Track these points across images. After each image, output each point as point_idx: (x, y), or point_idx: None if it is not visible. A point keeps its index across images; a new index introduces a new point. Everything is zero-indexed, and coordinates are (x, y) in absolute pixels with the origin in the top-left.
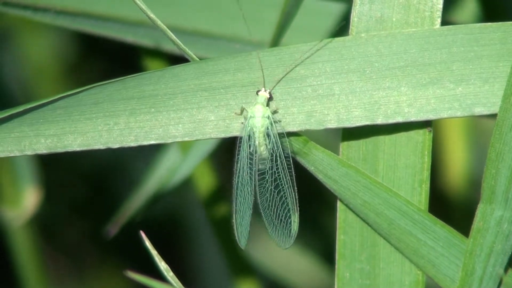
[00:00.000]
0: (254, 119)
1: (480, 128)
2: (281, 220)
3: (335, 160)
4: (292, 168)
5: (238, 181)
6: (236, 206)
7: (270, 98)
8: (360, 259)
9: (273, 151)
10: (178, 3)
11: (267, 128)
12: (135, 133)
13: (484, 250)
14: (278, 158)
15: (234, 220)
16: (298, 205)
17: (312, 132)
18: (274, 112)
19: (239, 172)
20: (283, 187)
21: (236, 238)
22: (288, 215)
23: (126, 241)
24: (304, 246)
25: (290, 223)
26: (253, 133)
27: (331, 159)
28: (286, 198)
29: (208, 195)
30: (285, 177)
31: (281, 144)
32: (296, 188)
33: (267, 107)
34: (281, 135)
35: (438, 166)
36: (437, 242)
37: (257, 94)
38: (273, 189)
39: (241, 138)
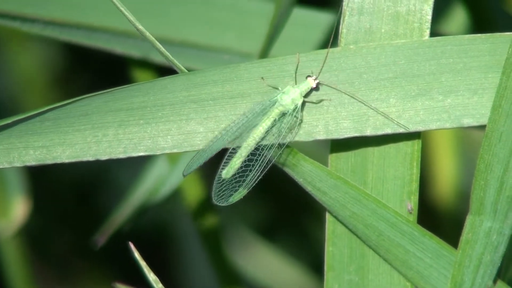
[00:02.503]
0: (284, 95)
1: (468, 140)
2: (231, 182)
3: (323, 172)
4: (270, 161)
5: (232, 126)
6: (211, 142)
7: (316, 88)
8: (349, 270)
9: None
10: (166, 14)
11: (284, 114)
12: (124, 145)
13: (473, 261)
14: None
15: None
16: (251, 187)
17: (301, 143)
18: (305, 103)
19: (239, 120)
20: (254, 163)
21: (187, 165)
22: (240, 183)
23: (114, 252)
24: (292, 257)
25: (235, 191)
26: (271, 107)
27: (320, 171)
28: (250, 172)
29: (196, 206)
30: (261, 160)
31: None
32: (260, 175)
33: (302, 97)
34: (287, 129)
35: (426, 177)
36: (425, 253)
37: (306, 78)
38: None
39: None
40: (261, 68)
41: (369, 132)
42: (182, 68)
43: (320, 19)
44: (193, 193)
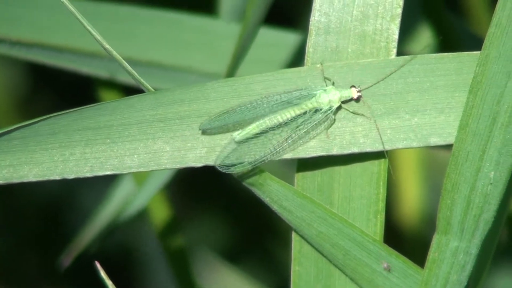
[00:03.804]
0: (324, 93)
1: (435, 160)
2: (243, 151)
3: (290, 191)
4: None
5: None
6: (235, 108)
7: (357, 100)
8: None
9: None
10: (133, 35)
11: (317, 111)
12: (90, 164)
13: (439, 280)
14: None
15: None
16: (256, 165)
17: (267, 163)
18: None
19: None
20: (267, 143)
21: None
22: (250, 156)
23: (80, 273)
24: (258, 278)
25: (241, 162)
26: (307, 100)
27: (286, 190)
28: (260, 151)
29: (163, 226)
30: (275, 144)
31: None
32: (268, 159)
33: (339, 102)
34: (313, 126)
35: (393, 197)
36: (392, 273)
37: (350, 87)
38: (266, 137)
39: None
40: (227, 87)
41: (335, 151)
42: (149, 87)
43: (287, 39)
44: (160, 214)
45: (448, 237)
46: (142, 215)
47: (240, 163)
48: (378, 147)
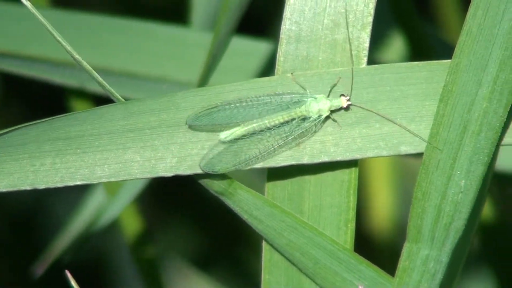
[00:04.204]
0: (314, 102)
1: (406, 168)
2: (228, 153)
3: (260, 200)
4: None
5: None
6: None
7: (346, 108)
8: None
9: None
10: (105, 44)
11: (306, 118)
12: (61, 174)
13: None
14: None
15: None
16: (239, 167)
17: (237, 172)
18: (329, 116)
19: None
20: (252, 147)
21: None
22: (235, 159)
23: (53, 282)
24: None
25: (225, 164)
26: (295, 106)
27: (256, 199)
28: (244, 154)
29: (134, 236)
30: (260, 149)
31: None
32: (252, 164)
33: (329, 111)
34: (299, 134)
35: (364, 205)
36: (363, 282)
37: (340, 96)
38: (252, 141)
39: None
40: (198, 97)
41: (306, 160)
42: (119, 97)
43: (258, 47)
44: (131, 223)
45: (418, 245)
46: (114, 225)
47: (224, 165)
48: (348, 156)
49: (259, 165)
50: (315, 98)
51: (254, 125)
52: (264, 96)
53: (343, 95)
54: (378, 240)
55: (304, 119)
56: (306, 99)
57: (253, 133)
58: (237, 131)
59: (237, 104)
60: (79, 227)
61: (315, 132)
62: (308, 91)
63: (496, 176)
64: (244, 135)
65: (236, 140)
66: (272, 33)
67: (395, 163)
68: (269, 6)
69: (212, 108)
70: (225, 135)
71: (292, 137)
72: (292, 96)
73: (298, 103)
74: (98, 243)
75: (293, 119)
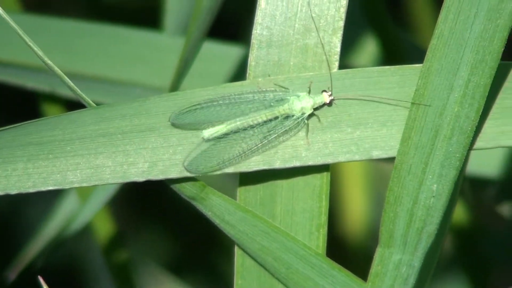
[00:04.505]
0: (296, 100)
1: (379, 173)
2: (211, 153)
3: (232, 205)
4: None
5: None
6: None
7: (329, 104)
8: None
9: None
10: (78, 48)
11: (289, 117)
12: (33, 179)
13: None
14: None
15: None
16: (223, 168)
17: (209, 177)
18: (314, 111)
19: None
20: (236, 146)
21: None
22: (216, 158)
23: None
24: None
25: (208, 164)
26: (278, 104)
27: (228, 204)
28: (228, 153)
29: (107, 240)
30: (243, 147)
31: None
32: (235, 163)
33: (312, 109)
34: (282, 132)
35: (336, 210)
36: (335, 286)
37: (321, 92)
38: (235, 139)
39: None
40: (169, 101)
41: (278, 165)
42: (90, 102)
43: (230, 52)
44: (104, 228)
45: (391, 250)
46: (86, 229)
47: (208, 164)
48: (320, 161)
49: (230, 170)
50: (298, 96)
51: (238, 123)
52: (247, 94)
53: (325, 91)
54: (351, 245)
55: (287, 117)
56: (288, 97)
57: (236, 131)
58: (220, 129)
59: (220, 102)
60: (52, 231)
61: (298, 130)
62: (290, 89)
63: (468, 180)
64: (227, 133)
65: (219, 138)
66: (244, 38)
67: (368, 168)
68: (241, 11)
69: (194, 106)
70: (208, 133)
71: (275, 135)
72: (274, 94)
73: (281, 101)
74: (71, 248)
75: (276, 117)
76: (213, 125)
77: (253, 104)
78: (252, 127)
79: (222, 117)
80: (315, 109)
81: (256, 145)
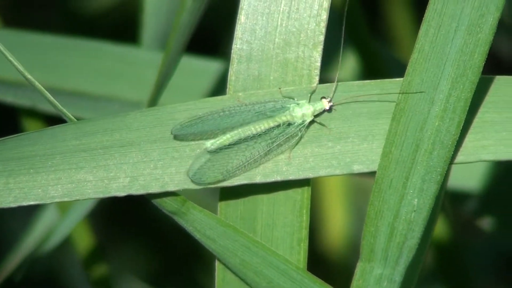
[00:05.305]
0: (297, 107)
1: (360, 187)
2: (215, 162)
3: (213, 220)
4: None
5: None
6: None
7: (329, 110)
8: None
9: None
10: (57, 63)
11: (290, 124)
12: (14, 194)
13: None
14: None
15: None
16: (228, 177)
17: (190, 191)
18: (315, 117)
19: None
20: (240, 155)
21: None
22: (220, 168)
23: None
24: None
25: (212, 174)
26: (281, 112)
27: (209, 219)
28: (232, 162)
29: (87, 254)
30: (247, 156)
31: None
32: (240, 172)
33: (312, 116)
34: (284, 140)
35: (317, 225)
36: None
37: (321, 99)
38: (239, 148)
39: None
40: (150, 116)
41: (258, 179)
42: (71, 117)
43: (210, 67)
44: (83, 241)
45: (372, 264)
46: (66, 243)
47: (212, 174)
48: (301, 175)
49: (237, 181)
50: (298, 104)
51: (240, 132)
52: (248, 104)
53: (324, 97)
54: (332, 259)
55: (289, 124)
56: (289, 105)
57: (238, 141)
58: (223, 139)
59: (221, 113)
60: (31, 244)
61: (300, 137)
62: (295, 99)
63: (448, 194)
64: (230, 143)
65: (221, 148)
66: (224, 52)
67: (349, 182)
68: (221, 26)
69: (196, 119)
70: (211, 143)
71: (277, 143)
72: (275, 102)
73: (282, 109)
74: (51, 261)
75: (278, 125)
76: (215, 135)
77: (254, 113)
78: (254, 135)
79: (224, 127)
80: (316, 116)
81: (259, 154)
